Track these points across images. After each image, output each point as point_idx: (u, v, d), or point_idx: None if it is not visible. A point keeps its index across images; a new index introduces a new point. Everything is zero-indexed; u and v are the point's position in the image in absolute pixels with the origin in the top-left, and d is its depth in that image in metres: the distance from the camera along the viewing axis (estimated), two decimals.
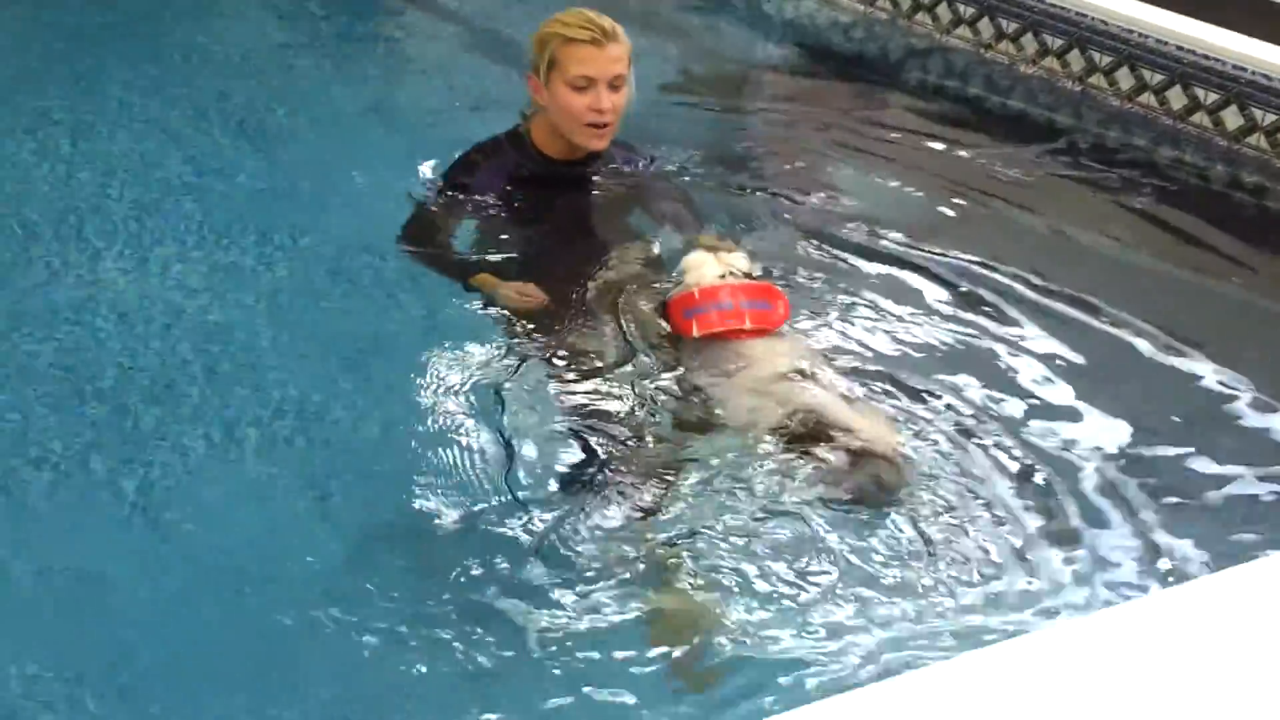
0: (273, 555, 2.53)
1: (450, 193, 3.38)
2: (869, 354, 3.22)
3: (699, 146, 4.27)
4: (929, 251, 3.76)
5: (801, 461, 2.71)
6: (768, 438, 2.78)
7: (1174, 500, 2.81)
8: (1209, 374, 3.30)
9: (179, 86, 4.50)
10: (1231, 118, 4.66)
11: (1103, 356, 3.36)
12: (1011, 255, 3.80)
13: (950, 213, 4.05)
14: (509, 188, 3.37)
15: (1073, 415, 3.09)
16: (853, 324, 3.33)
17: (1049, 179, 4.41)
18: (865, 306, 3.43)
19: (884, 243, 3.80)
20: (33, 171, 3.88)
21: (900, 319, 3.40)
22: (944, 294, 3.56)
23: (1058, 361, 3.29)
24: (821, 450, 2.73)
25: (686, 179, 3.83)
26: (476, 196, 3.36)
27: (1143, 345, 3.42)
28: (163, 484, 2.70)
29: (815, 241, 3.76)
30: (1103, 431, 3.04)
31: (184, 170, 3.93)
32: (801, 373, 2.96)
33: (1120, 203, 4.30)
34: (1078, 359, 3.32)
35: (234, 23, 5.19)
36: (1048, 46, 5.14)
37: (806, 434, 2.77)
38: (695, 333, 3.04)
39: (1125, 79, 4.94)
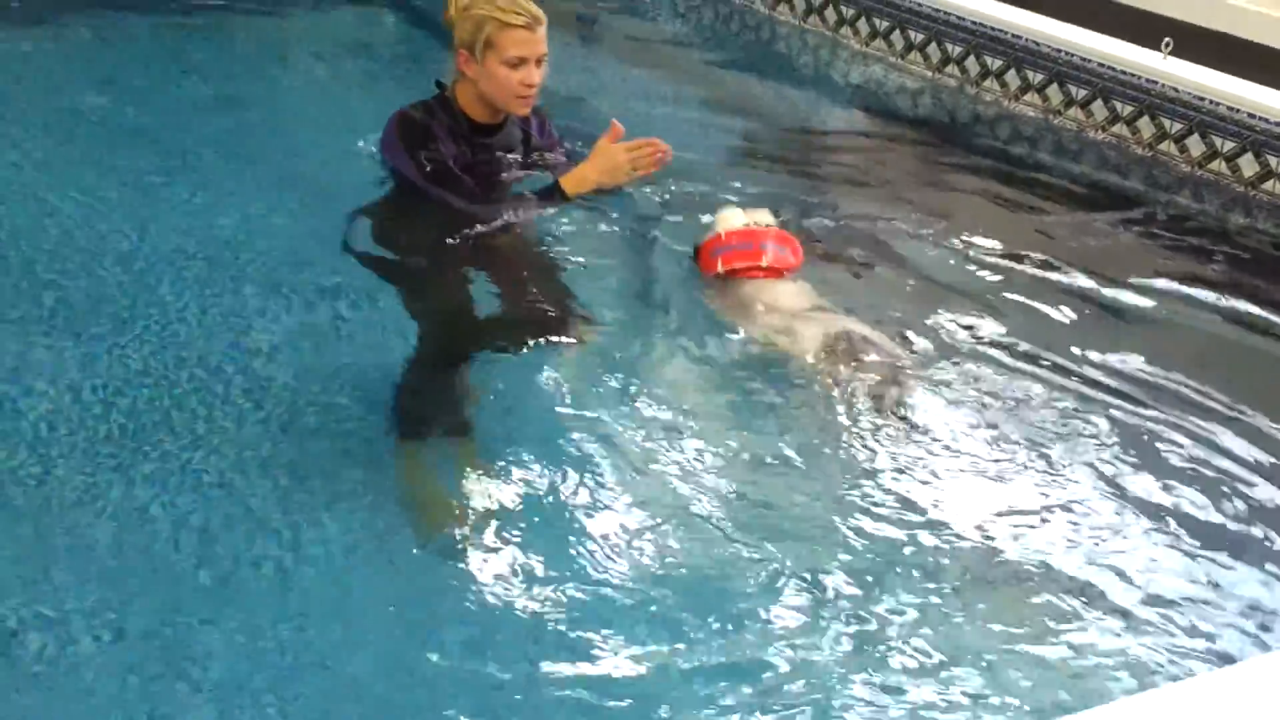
0: None
1: (433, 160, 3.67)
2: (939, 430, 3.20)
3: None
4: (995, 320, 3.73)
5: (834, 377, 3.20)
6: (809, 359, 3.24)
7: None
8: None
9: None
10: None
11: (1169, 431, 3.30)
12: (1078, 323, 3.77)
13: (1019, 279, 4.02)
14: (454, 147, 3.73)
15: (1139, 489, 3.05)
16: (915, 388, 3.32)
17: (1119, 246, 4.38)
18: (930, 369, 3.42)
19: (948, 309, 3.78)
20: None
21: (960, 387, 3.38)
22: (1008, 361, 3.53)
23: (1124, 433, 3.26)
24: (852, 367, 3.23)
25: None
26: (442, 157, 3.68)
27: (1212, 416, 3.37)
28: None
29: (880, 307, 3.74)
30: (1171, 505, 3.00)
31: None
32: (819, 308, 3.44)
33: (1192, 271, 4.26)
34: (1144, 432, 3.27)
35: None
36: (1118, 113, 5.12)
37: (839, 354, 3.25)
38: (720, 269, 3.51)
39: (1196, 146, 4.91)
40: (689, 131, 4.40)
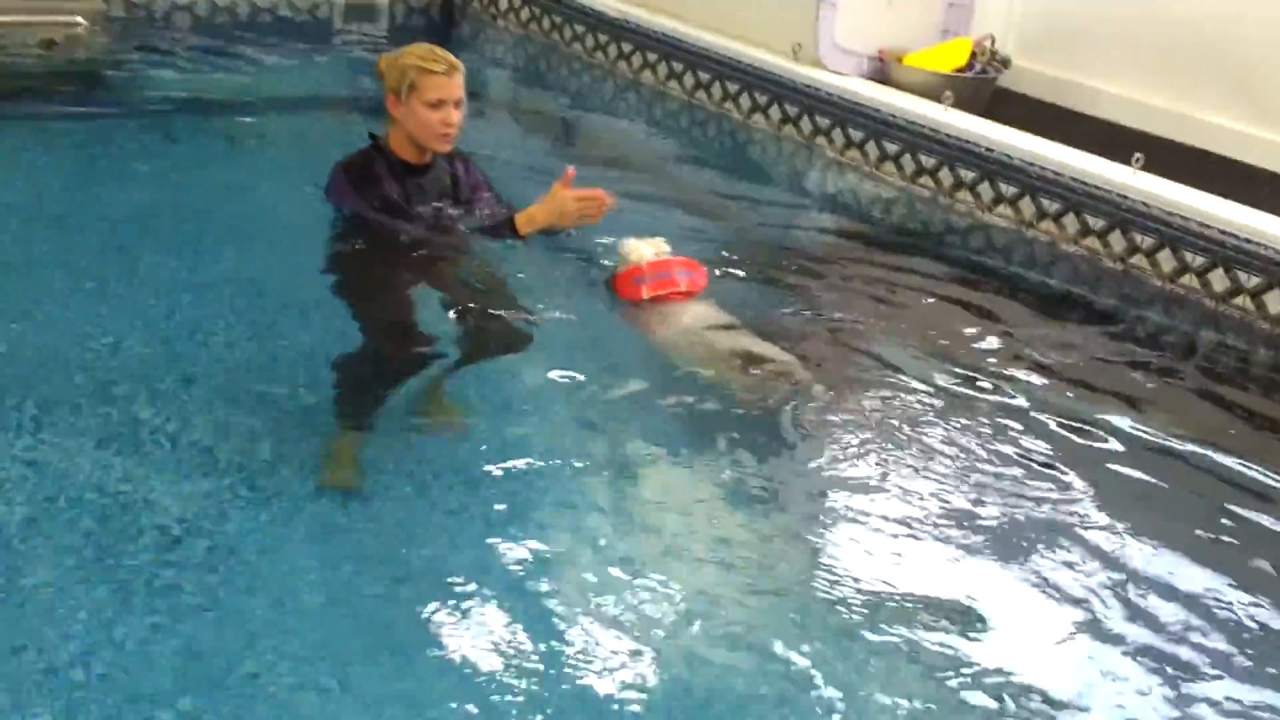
0: None
1: (381, 195, 4.14)
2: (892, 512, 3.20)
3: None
4: (956, 427, 3.72)
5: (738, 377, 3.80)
6: (716, 365, 3.84)
7: None
8: (1258, 555, 3.22)
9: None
10: (1274, 301, 4.61)
11: (1138, 543, 3.27)
12: (1046, 435, 3.75)
13: (988, 389, 4.00)
14: (394, 182, 4.17)
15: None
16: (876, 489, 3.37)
17: (1089, 359, 4.35)
18: (887, 470, 3.46)
19: (912, 414, 3.78)
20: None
21: (919, 495, 3.39)
22: (976, 471, 3.51)
23: (1091, 544, 3.21)
24: (754, 369, 3.83)
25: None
26: (387, 192, 4.15)
27: (1182, 531, 3.34)
28: None
29: (844, 410, 3.77)
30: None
31: None
32: (724, 325, 4.02)
33: (1162, 385, 4.24)
34: (1111, 548, 3.24)
35: None
36: (1089, 227, 5.13)
37: (742, 362, 3.85)
38: (645, 295, 4.09)
39: (1167, 260, 4.91)
40: (659, 233, 4.45)
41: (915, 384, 3.97)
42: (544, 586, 2.94)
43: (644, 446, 3.54)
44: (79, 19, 6.91)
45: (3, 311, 3.84)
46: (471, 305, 3.98)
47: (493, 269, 4.20)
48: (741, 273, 4.71)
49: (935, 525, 3.30)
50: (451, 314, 3.94)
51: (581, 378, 3.76)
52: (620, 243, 4.21)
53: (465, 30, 7.98)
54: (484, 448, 3.44)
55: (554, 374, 3.77)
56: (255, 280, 4.18)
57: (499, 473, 3.35)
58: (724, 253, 4.85)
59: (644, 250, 4.17)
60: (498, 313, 3.96)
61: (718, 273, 4.55)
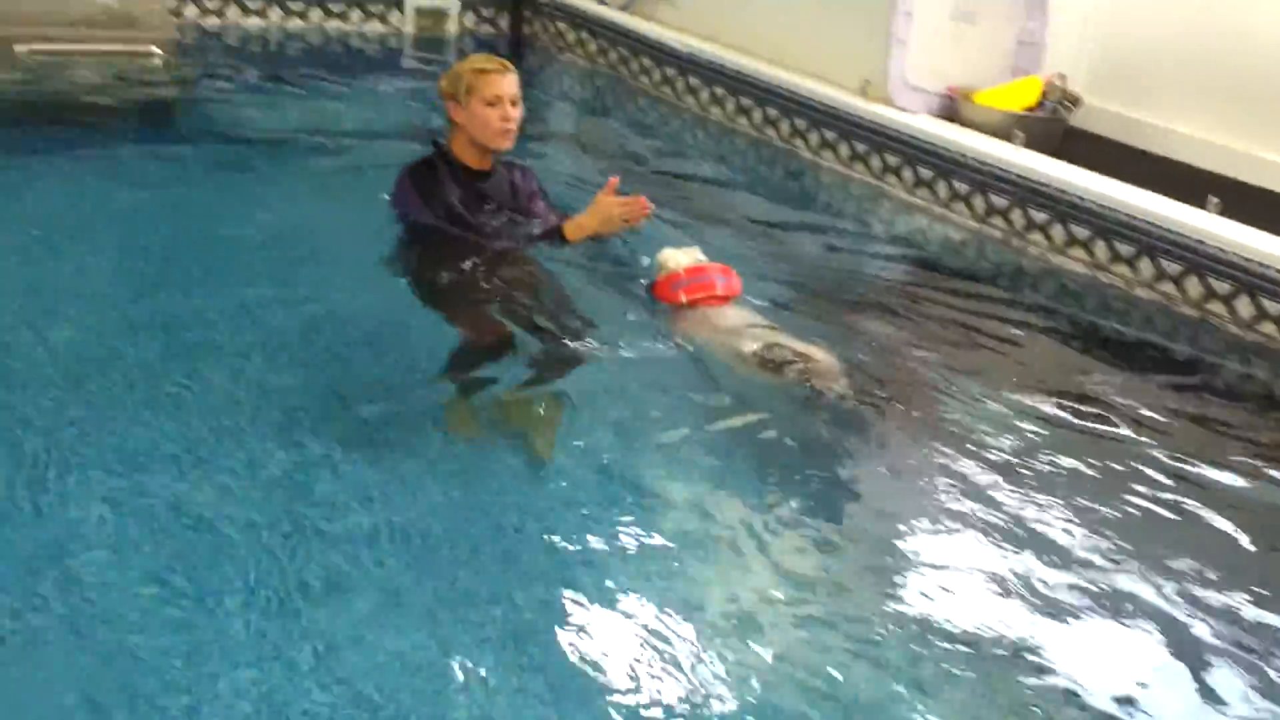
0: None
1: (446, 203, 4.40)
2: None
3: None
4: (1030, 480, 3.68)
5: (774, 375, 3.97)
6: (751, 365, 4.01)
7: None
8: None
9: None
10: None
11: (1216, 600, 3.23)
12: (1113, 485, 3.70)
13: (1057, 435, 3.96)
14: (460, 192, 4.44)
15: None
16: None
17: (1163, 407, 4.29)
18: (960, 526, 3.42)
19: (986, 467, 3.74)
20: None
21: (994, 539, 3.38)
22: (1047, 521, 3.48)
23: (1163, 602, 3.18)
24: (789, 368, 3.98)
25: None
26: (452, 200, 4.41)
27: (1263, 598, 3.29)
28: None
29: (916, 461, 3.75)
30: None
31: None
32: (765, 325, 4.23)
33: (1240, 437, 4.18)
34: (1172, 607, 3.20)
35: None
36: (1164, 271, 5.08)
37: (777, 360, 4.00)
38: (683, 300, 4.30)
39: (1245, 307, 4.86)
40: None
41: (981, 427, 3.94)
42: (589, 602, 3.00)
43: (702, 466, 3.65)
44: (153, 48, 6.99)
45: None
46: (540, 313, 4.21)
47: (553, 277, 4.42)
48: (809, 310, 4.70)
49: (1001, 565, 3.27)
50: (522, 321, 4.16)
51: (635, 388, 4.00)
52: (659, 252, 4.46)
53: (533, 62, 8.02)
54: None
55: (607, 382, 4.00)
56: (336, 298, 4.32)
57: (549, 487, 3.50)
58: (791, 290, 4.84)
59: (681, 258, 4.40)
60: (562, 321, 4.20)
61: (786, 310, 4.56)
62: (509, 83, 4.41)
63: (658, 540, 3.26)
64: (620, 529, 3.29)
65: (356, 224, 4.80)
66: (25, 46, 6.71)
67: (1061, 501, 3.59)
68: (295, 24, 7.82)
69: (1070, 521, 3.50)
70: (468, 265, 4.34)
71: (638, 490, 3.49)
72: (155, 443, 3.42)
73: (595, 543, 3.22)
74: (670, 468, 3.61)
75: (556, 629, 2.91)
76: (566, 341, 4.09)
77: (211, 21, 7.64)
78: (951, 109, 6.24)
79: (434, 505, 3.31)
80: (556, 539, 3.22)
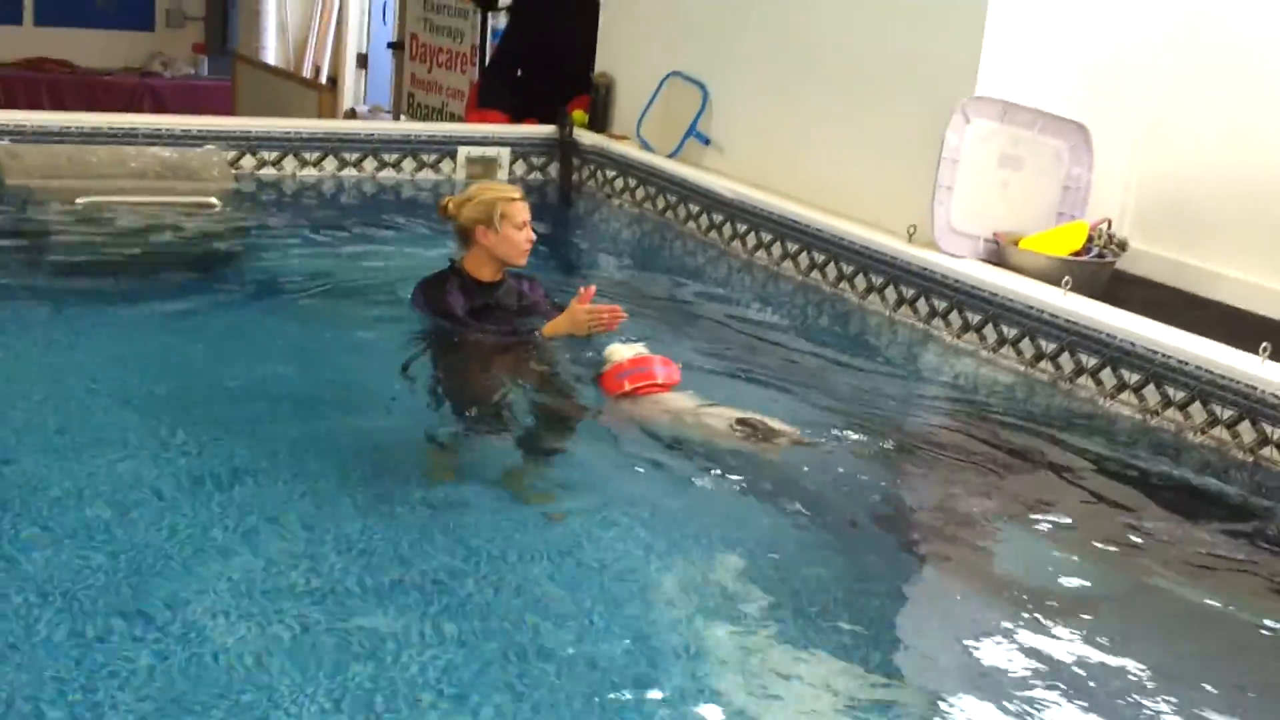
0: None
1: (450, 313, 5.18)
2: None
3: (855, 497, 4.36)
4: (1073, 628, 3.62)
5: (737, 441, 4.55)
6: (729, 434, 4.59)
7: None
8: None
9: None
10: None
11: None
12: (1164, 634, 3.63)
13: (1112, 589, 3.90)
14: (464, 299, 5.20)
15: None
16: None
17: (1218, 559, 4.21)
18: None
19: (1028, 612, 3.70)
20: None
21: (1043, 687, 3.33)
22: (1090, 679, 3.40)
23: None
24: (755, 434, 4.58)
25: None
26: (455, 308, 5.17)
27: None
28: None
29: (957, 602, 3.75)
30: None
31: None
32: (708, 404, 4.78)
33: None
34: None
35: None
36: (1217, 416, 5.02)
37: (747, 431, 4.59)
38: (626, 387, 4.80)
39: None
40: (774, 411, 4.68)
41: (1028, 571, 3.93)
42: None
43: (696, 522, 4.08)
44: (212, 199, 7.17)
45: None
46: (528, 392, 4.94)
47: (546, 364, 5.12)
48: (858, 450, 4.70)
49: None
50: (514, 397, 4.88)
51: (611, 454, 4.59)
52: (606, 347, 4.98)
53: (581, 209, 8.15)
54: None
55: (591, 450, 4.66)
56: (372, 435, 4.58)
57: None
58: (836, 432, 4.83)
59: (624, 351, 4.90)
60: (551, 399, 4.98)
61: (829, 450, 4.56)
62: (528, 207, 5.22)
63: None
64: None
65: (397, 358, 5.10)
66: (86, 198, 6.90)
67: (1108, 650, 3.52)
68: (350, 174, 7.99)
69: (1117, 673, 3.43)
70: (466, 353, 5.18)
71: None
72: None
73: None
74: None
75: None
76: (541, 413, 4.87)
77: (269, 172, 7.82)
78: (997, 254, 6.26)
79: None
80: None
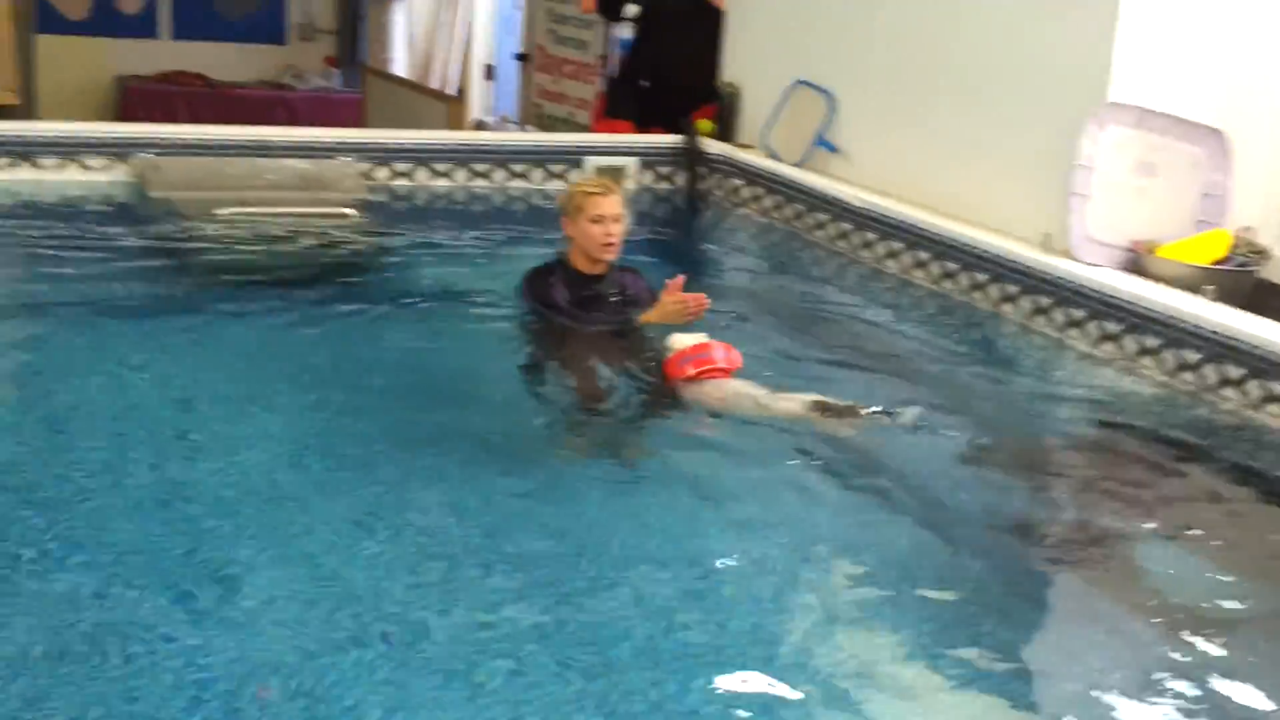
0: None
1: (552, 303, 5.33)
2: None
3: (994, 521, 4.24)
4: (1220, 649, 3.54)
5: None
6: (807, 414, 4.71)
7: None
8: None
9: None
10: None
11: None
12: None
13: (1257, 608, 3.80)
14: (567, 291, 5.33)
15: None
16: None
17: None
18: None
19: (1173, 632, 3.62)
20: None
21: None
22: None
23: None
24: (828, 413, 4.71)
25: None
26: (557, 299, 5.31)
27: None
28: None
29: (1110, 626, 3.65)
30: None
31: None
32: (766, 388, 4.89)
33: None
34: None
35: None
36: None
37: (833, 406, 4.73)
38: (690, 372, 4.93)
39: None
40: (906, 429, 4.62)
41: (1171, 590, 3.84)
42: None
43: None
44: (346, 209, 7.31)
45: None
46: (630, 378, 5.07)
47: (645, 352, 5.21)
48: (992, 461, 4.64)
49: None
50: (620, 384, 5.03)
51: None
52: (667, 337, 5.11)
53: (708, 218, 8.16)
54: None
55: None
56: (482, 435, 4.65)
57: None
58: (968, 444, 4.78)
59: (686, 340, 5.03)
60: (652, 383, 5.05)
61: (963, 464, 4.50)
62: (610, 203, 5.22)
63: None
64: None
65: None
66: (226, 210, 7.07)
67: (1256, 676, 3.42)
68: (480, 184, 8.10)
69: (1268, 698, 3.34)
70: (572, 342, 5.29)
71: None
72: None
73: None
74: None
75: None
76: (643, 398, 4.98)
77: (401, 183, 7.95)
78: (1135, 263, 6.13)
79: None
80: None
